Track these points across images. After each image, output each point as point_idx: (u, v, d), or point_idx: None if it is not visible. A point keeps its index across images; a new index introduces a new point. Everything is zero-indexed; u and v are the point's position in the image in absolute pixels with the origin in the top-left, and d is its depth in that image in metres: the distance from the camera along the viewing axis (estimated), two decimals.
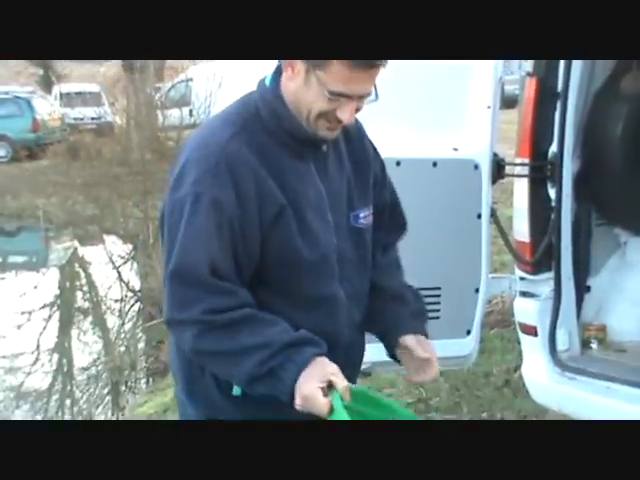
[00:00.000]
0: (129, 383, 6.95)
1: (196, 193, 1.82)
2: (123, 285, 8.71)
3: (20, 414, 5.75)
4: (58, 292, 9.59)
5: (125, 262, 9.20)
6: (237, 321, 1.81)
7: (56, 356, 7.61)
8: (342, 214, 2.04)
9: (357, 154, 2.11)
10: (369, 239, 2.11)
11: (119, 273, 8.85)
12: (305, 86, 1.79)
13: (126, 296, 8.53)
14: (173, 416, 4.99)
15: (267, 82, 1.89)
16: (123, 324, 8.13)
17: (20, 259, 11.62)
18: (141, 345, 7.71)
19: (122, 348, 7.54)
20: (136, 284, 8.65)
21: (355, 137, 2.11)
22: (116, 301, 8.54)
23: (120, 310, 8.39)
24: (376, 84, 1.88)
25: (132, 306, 8.41)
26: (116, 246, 9.67)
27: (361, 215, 2.07)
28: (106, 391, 6.81)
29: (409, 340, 2.03)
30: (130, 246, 9.31)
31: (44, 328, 8.01)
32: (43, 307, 8.47)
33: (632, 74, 3.28)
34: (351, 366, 2.04)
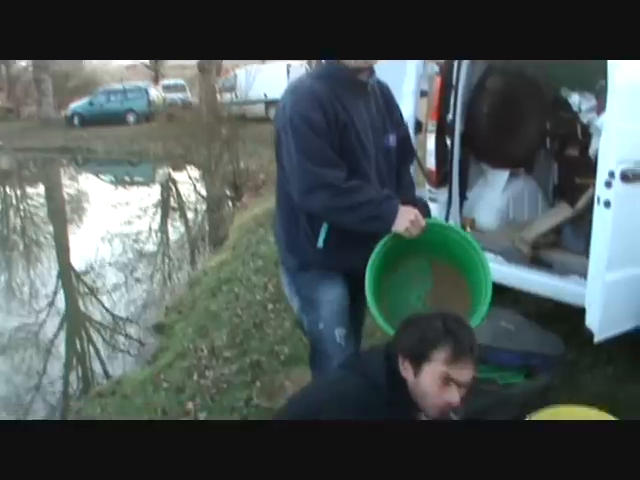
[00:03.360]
0: None
1: (298, 112, 2.41)
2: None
3: None
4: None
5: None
6: (353, 187, 2.41)
7: None
8: (379, 135, 2.60)
9: (387, 99, 2.69)
10: (394, 156, 2.69)
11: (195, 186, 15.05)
12: None
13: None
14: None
15: None
16: None
17: (140, 179, 19.47)
18: None
19: None
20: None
21: (386, 90, 2.70)
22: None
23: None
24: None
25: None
26: (193, 171, 15.98)
27: (390, 138, 2.66)
28: None
29: None
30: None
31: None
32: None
33: (493, 76, 4.50)
34: None
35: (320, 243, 2.53)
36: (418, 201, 2.75)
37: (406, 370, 2.02)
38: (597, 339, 3.17)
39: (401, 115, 2.79)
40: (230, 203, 13.23)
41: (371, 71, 2.53)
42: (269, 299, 5.75)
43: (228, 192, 13.89)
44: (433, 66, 4.55)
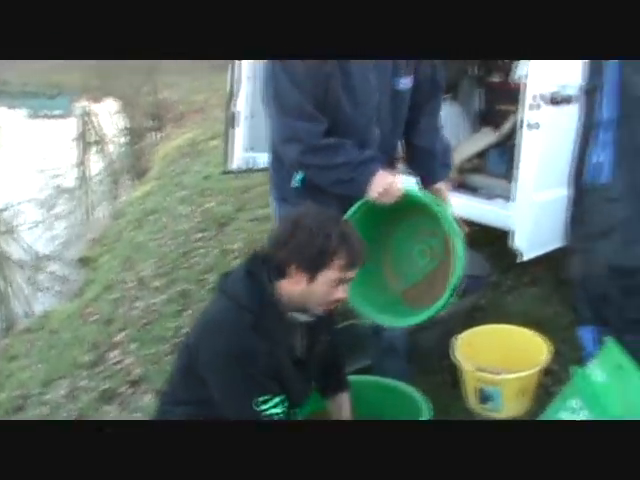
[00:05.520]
0: None
1: (280, 66, 2.32)
2: None
3: None
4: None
5: None
6: (328, 145, 2.35)
7: None
8: (386, 78, 2.45)
9: None
10: (407, 99, 2.55)
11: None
12: None
13: None
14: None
15: None
16: None
17: (58, 112, 18.08)
18: None
19: None
20: None
21: None
22: None
23: None
24: None
25: None
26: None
27: (402, 81, 2.50)
28: None
29: (434, 189, 2.61)
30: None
31: None
32: None
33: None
34: None
35: (296, 183, 2.53)
36: (436, 152, 2.69)
37: (296, 280, 2.06)
38: (525, 258, 3.25)
39: None
40: (152, 135, 12.96)
41: None
42: (196, 228, 5.74)
43: (150, 123, 13.60)
44: None
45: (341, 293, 2.11)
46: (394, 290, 2.61)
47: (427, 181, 2.70)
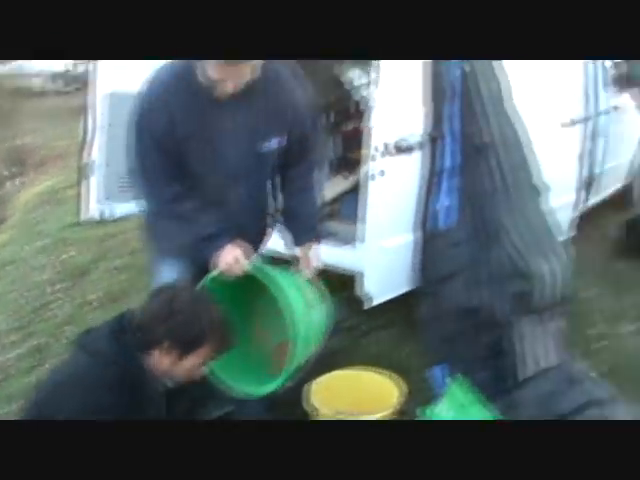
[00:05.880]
0: None
1: (140, 114, 2.37)
2: None
3: None
4: None
5: None
6: (175, 214, 2.39)
7: None
8: (252, 140, 2.45)
9: (278, 98, 2.45)
10: (273, 160, 2.55)
11: None
12: None
13: None
14: None
15: None
16: None
17: None
18: None
19: None
20: None
21: (279, 88, 2.45)
22: None
23: None
24: None
25: None
26: None
27: (270, 142, 2.48)
28: None
29: (299, 251, 2.65)
30: None
31: None
32: None
33: None
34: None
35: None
36: (300, 214, 2.69)
37: (166, 354, 2.13)
38: (374, 303, 3.32)
39: (301, 114, 2.55)
40: (13, 181, 12.40)
41: (240, 81, 2.32)
42: (54, 279, 5.53)
43: (9, 171, 13.01)
44: None
45: (204, 369, 2.28)
46: (266, 346, 2.69)
47: (294, 241, 2.71)
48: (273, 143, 2.49)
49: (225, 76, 2.23)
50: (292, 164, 2.62)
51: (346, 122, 4.96)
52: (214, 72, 2.22)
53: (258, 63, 2.27)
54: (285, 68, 2.48)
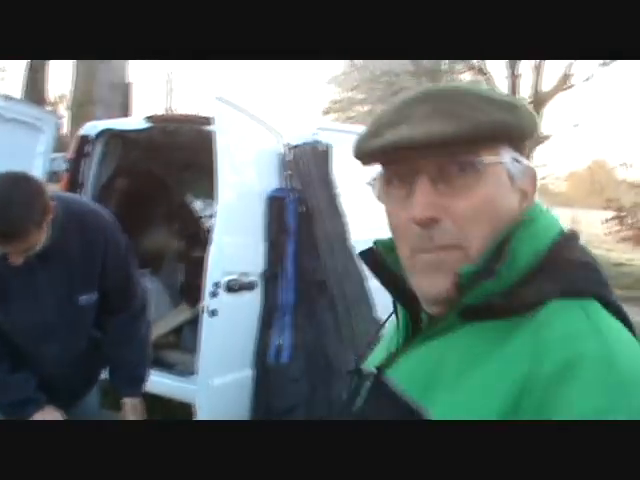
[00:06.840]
0: None
1: None
2: None
3: None
4: None
5: None
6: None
7: None
8: (65, 296, 2.35)
9: (90, 254, 2.37)
10: (91, 313, 2.45)
11: None
12: None
13: None
14: None
15: None
16: None
17: None
18: None
19: None
20: None
21: (93, 244, 2.36)
22: None
23: None
24: None
25: None
26: None
27: (83, 298, 2.38)
28: None
29: (123, 403, 2.49)
30: None
31: None
32: None
33: (122, 177, 4.59)
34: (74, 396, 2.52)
35: None
36: (121, 365, 2.56)
37: None
38: None
39: (111, 268, 2.42)
40: None
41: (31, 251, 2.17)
42: None
43: None
44: (61, 163, 4.59)
45: None
46: None
47: (117, 391, 2.58)
48: (90, 296, 2.40)
49: (5, 250, 2.12)
50: (112, 312, 2.52)
51: (194, 249, 4.95)
52: None
53: (40, 237, 2.13)
54: (96, 221, 2.41)
